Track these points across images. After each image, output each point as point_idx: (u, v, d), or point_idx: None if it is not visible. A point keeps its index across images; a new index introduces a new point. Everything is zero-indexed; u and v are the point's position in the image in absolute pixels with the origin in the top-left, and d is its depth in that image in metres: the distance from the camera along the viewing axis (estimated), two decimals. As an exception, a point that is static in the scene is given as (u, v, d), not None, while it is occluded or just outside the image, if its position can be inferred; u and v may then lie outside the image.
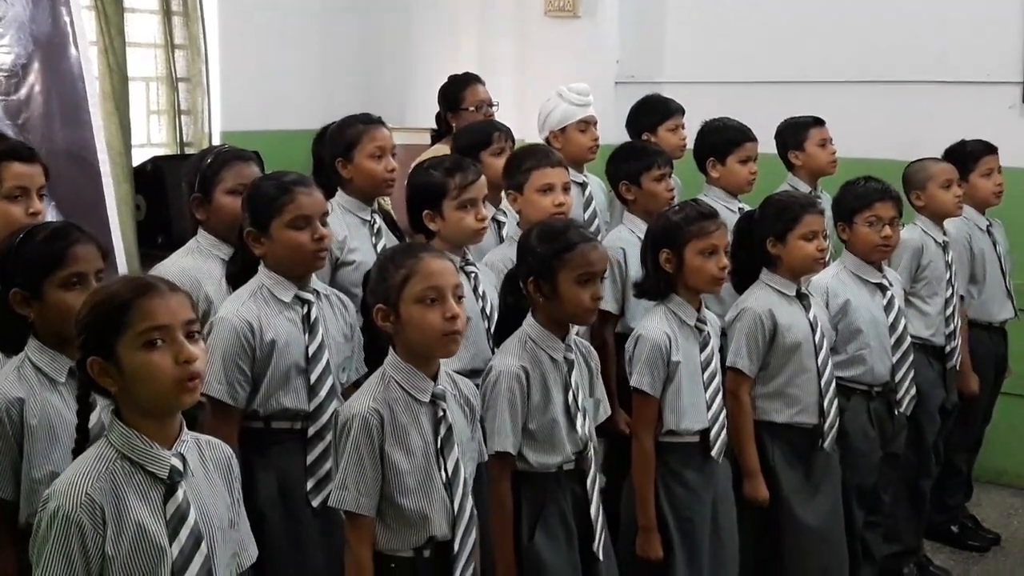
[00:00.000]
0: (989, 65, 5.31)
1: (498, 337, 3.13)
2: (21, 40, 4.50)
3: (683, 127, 4.79)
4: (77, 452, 2.20)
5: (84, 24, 4.93)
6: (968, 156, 4.66)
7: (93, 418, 2.26)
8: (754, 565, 3.56)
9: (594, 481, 3.06)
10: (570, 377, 3.03)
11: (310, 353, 2.98)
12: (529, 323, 3.05)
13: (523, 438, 2.97)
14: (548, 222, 3.24)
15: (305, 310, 3.01)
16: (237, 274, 3.11)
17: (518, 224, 3.79)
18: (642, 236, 3.62)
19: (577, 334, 3.19)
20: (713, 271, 3.33)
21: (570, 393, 3.02)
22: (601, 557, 3.06)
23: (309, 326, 3.00)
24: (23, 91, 4.50)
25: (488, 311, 3.40)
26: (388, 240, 3.66)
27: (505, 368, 2.96)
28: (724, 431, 3.40)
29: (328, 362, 3.01)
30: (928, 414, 4.38)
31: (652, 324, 3.34)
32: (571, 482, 3.04)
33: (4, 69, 4.43)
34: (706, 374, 3.37)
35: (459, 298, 2.59)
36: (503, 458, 2.94)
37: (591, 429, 3.08)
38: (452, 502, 2.58)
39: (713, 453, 3.35)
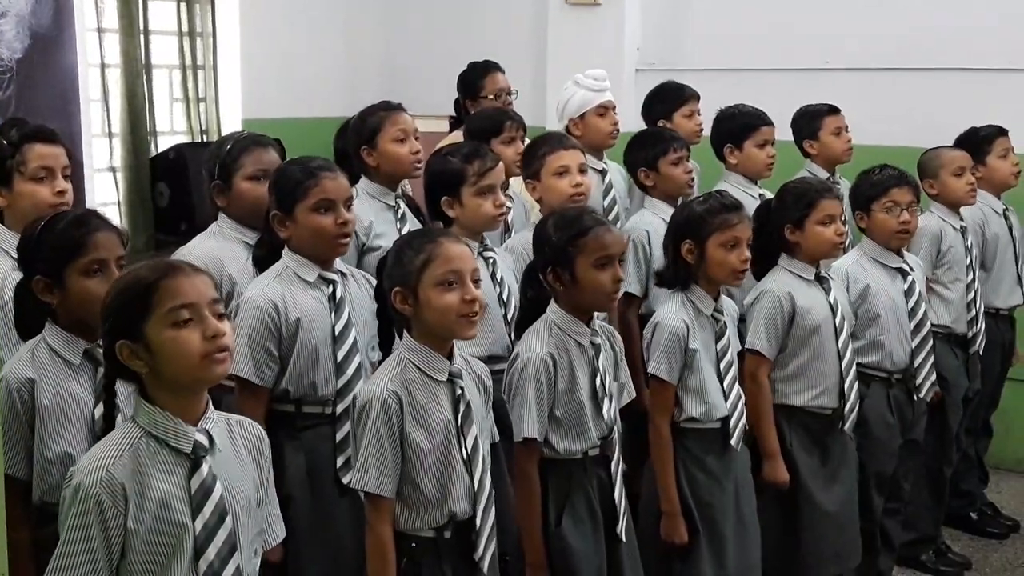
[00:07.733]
0: (1010, 52, 5.28)
1: (520, 330, 3.12)
2: (20, 35, 4.52)
3: (698, 112, 4.78)
4: (102, 437, 2.23)
5: (85, 13, 4.94)
6: (983, 140, 4.65)
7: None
8: (770, 548, 3.56)
9: (618, 465, 3.07)
10: (597, 361, 3.03)
11: (336, 331, 3.00)
12: (553, 309, 3.04)
13: (549, 424, 2.97)
14: (561, 211, 3.22)
15: (331, 289, 3.03)
16: (263, 258, 3.14)
17: (540, 211, 3.79)
18: (666, 218, 3.63)
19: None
20: (734, 264, 3.33)
21: (598, 378, 3.02)
22: (624, 539, 3.07)
23: (335, 304, 3.02)
24: (14, 86, 4.52)
25: (506, 297, 3.41)
26: (412, 225, 3.67)
27: (532, 354, 2.96)
28: (743, 419, 3.41)
29: (355, 340, 3.02)
30: (953, 403, 4.39)
31: (670, 312, 3.34)
32: (597, 467, 3.04)
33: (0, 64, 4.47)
34: (722, 363, 3.37)
35: (476, 282, 2.62)
36: (530, 444, 2.95)
37: (616, 413, 3.09)
38: (472, 479, 2.61)
39: (732, 441, 3.36)
